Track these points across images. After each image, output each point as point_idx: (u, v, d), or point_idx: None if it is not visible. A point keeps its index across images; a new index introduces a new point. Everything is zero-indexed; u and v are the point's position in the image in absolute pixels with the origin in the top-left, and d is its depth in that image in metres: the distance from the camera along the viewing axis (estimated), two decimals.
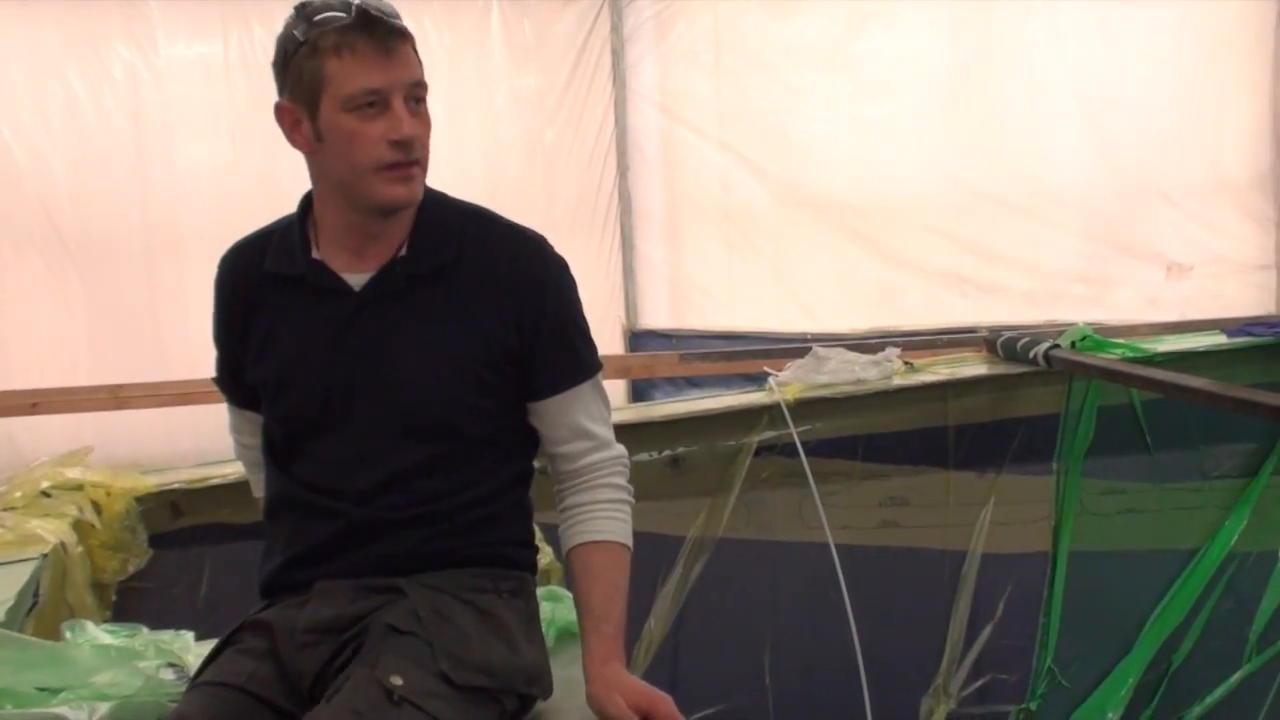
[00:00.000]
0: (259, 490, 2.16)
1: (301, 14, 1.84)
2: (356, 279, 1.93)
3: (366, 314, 1.92)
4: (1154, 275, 5.66)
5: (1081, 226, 5.63)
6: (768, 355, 4.58)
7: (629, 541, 1.99)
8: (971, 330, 5.03)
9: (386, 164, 1.83)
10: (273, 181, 4.74)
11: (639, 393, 5.24)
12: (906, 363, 4.42)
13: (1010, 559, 4.42)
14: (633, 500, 2.03)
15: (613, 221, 5.29)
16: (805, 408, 4.17)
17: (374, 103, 1.81)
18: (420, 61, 1.88)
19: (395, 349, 1.91)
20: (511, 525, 2.03)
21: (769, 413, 4.16)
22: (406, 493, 1.92)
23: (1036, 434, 4.40)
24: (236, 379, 2.07)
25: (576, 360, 1.99)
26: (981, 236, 5.55)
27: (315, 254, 1.94)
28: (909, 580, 4.38)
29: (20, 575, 3.00)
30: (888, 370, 4.32)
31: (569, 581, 2.01)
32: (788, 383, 4.25)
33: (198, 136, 4.84)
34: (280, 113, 1.89)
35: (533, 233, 2.01)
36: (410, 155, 1.85)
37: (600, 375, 2.04)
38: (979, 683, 4.47)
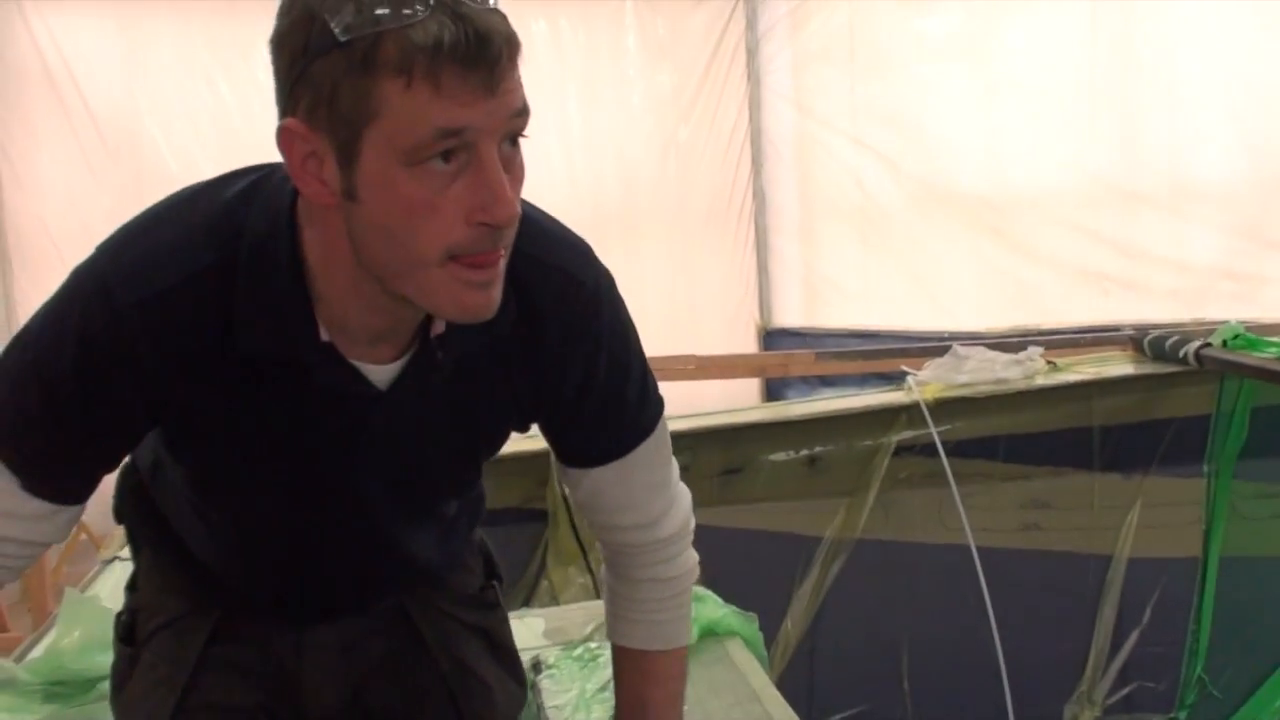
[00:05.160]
0: None
1: None
2: (379, 371, 1.33)
3: (388, 414, 1.37)
4: None
5: (1227, 222, 5.49)
6: (905, 354, 4.52)
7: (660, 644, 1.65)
8: (1115, 329, 4.93)
9: (463, 253, 1.16)
10: None
11: (772, 391, 5.22)
12: (1049, 362, 4.34)
13: (1158, 563, 4.31)
14: (680, 592, 1.64)
15: (747, 219, 5.27)
16: (945, 407, 4.10)
17: (453, 150, 1.12)
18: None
19: (417, 450, 1.44)
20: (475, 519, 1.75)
21: (907, 412, 4.10)
22: (396, 563, 1.61)
23: (1186, 435, 4.28)
24: (69, 469, 1.37)
25: (626, 426, 1.51)
26: (1123, 233, 5.44)
27: (323, 334, 1.29)
28: (1052, 584, 4.30)
29: None
30: (1030, 370, 4.24)
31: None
32: (926, 382, 4.19)
33: None
34: (286, 138, 1.16)
35: (587, 273, 1.42)
36: (499, 242, 1.18)
37: (655, 433, 1.53)
38: (1125, 690, 4.38)
